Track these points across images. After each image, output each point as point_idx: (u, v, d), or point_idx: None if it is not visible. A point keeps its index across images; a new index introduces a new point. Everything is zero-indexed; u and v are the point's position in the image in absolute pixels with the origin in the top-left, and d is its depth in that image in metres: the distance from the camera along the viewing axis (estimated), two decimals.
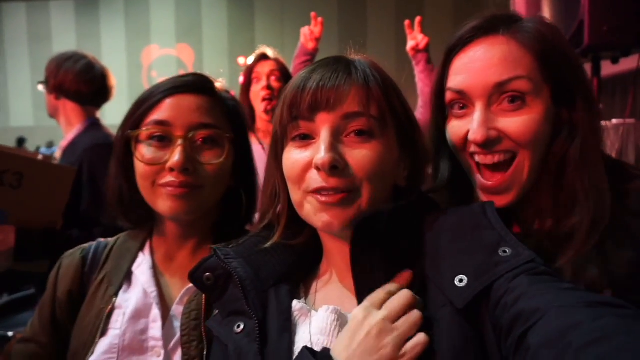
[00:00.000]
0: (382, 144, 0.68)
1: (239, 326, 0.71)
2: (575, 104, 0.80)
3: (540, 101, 0.79)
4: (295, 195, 0.71)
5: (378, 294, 0.64)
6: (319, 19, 2.35)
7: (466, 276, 0.61)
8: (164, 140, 0.88)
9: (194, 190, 0.88)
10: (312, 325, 0.69)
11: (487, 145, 0.80)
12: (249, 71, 2.10)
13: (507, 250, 0.62)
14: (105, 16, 9.26)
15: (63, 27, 9.29)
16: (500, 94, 0.79)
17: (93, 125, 1.98)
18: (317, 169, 0.66)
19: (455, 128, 0.85)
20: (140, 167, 0.90)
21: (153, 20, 9.11)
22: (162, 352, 0.88)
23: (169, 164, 0.86)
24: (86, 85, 1.95)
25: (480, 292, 0.60)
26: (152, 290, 0.93)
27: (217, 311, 0.79)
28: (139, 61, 8.92)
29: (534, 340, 0.51)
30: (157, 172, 0.88)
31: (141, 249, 0.99)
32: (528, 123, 0.79)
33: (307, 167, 0.68)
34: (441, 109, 0.89)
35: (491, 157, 0.81)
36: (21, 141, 6.98)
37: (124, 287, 0.95)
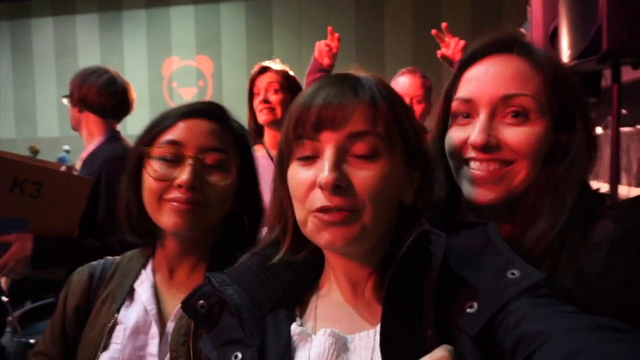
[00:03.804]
0: (387, 163, 0.67)
1: (236, 356, 0.69)
2: (576, 127, 0.80)
3: (542, 121, 0.79)
4: (299, 213, 0.70)
5: None
6: (336, 34, 2.18)
7: (476, 302, 0.59)
8: (174, 159, 0.92)
9: (199, 208, 0.90)
10: (311, 350, 0.68)
11: (486, 149, 0.79)
12: (251, 85, 2.09)
13: (516, 272, 0.60)
14: (128, 30, 9.48)
15: (88, 42, 9.53)
16: (506, 107, 0.79)
17: (113, 137, 2.03)
18: (321, 188, 0.65)
19: (455, 133, 0.84)
20: (149, 182, 0.92)
21: (173, 33, 9.29)
22: None
23: (177, 181, 0.89)
24: (108, 98, 1.99)
25: (491, 317, 0.57)
26: (152, 307, 0.96)
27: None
28: (160, 73, 9.09)
29: None
30: (165, 188, 0.91)
31: (144, 266, 1.02)
32: (529, 135, 0.78)
33: (312, 186, 0.67)
34: (445, 120, 0.89)
35: (486, 165, 0.80)
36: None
37: (126, 303, 0.98)
